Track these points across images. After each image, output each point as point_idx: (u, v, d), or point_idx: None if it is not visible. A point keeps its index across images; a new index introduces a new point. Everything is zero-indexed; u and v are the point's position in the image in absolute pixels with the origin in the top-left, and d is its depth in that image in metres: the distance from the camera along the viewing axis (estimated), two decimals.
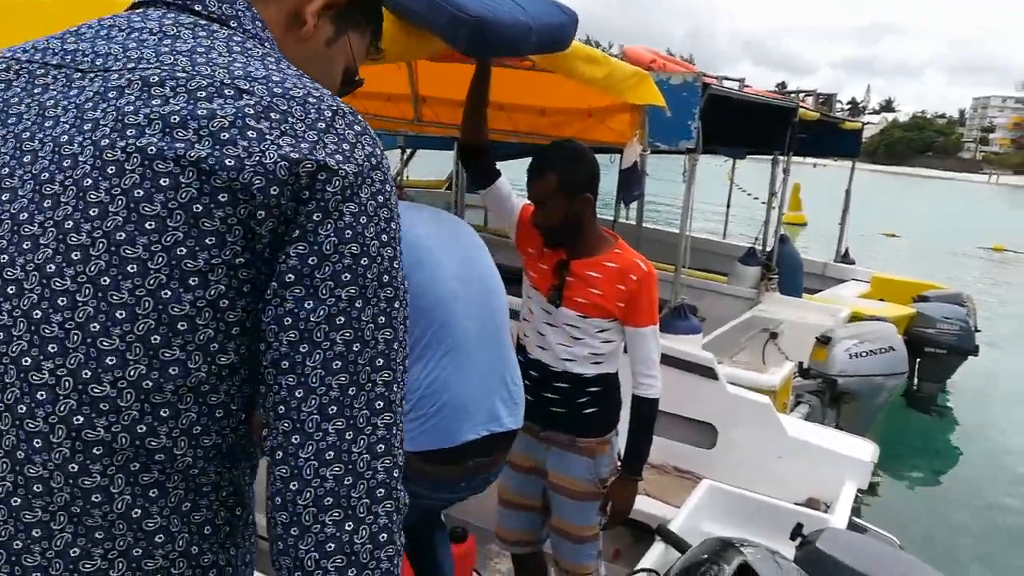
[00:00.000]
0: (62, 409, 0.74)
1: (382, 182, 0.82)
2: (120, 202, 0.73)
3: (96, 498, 0.76)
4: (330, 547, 0.76)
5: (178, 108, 0.76)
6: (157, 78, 0.78)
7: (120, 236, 0.73)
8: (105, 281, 0.73)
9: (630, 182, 3.61)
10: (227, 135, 0.75)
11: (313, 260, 0.76)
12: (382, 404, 0.80)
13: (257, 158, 0.74)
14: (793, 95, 7.49)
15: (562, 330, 2.51)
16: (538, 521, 2.78)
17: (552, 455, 2.62)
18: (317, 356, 0.76)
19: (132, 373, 0.74)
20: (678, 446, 3.91)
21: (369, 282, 0.79)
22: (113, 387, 0.74)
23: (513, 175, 3.49)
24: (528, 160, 2.59)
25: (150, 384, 0.75)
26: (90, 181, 0.74)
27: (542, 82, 3.62)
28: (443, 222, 2.37)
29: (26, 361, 0.74)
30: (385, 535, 0.78)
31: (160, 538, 0.79)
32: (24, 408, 0.74)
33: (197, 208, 0.73)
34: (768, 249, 6.77)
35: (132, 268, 0.73)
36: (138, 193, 0.73)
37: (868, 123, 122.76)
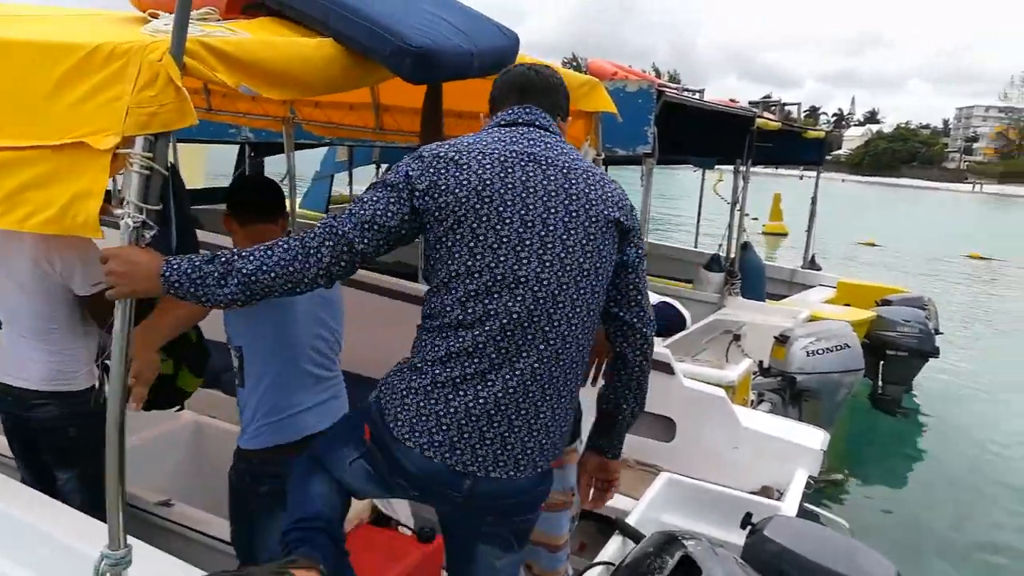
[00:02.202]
0: None
1: None
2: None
3: None
4: None
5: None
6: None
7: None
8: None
9: None
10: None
11: None
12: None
13: None
14: (773, 106, 7.66)
15: None
16: None
17: None
18: None
19: None
20: (638, 440, 4.01)
21: None
22: None
23: None
24: None
25: None
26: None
27: None
28: None
29: None
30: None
31: None
32: None
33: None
34: (731, 256, 6.93)
35: None
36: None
37: (851, 135, 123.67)
